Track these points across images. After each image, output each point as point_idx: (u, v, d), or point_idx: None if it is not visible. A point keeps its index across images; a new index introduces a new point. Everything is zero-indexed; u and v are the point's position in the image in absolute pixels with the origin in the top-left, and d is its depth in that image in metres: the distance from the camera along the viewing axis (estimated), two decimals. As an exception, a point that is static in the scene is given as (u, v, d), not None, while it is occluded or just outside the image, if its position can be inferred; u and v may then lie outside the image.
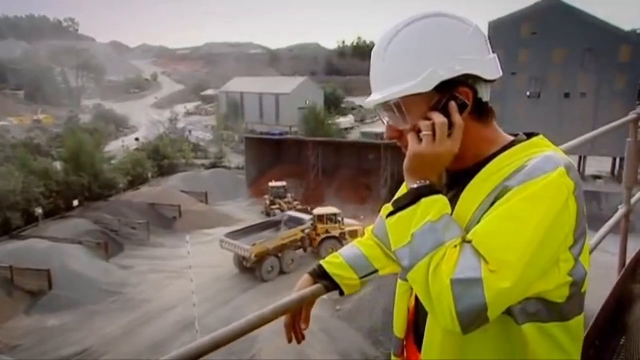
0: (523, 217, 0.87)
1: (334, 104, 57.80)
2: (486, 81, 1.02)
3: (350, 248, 1.41)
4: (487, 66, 1.02)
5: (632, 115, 2.21)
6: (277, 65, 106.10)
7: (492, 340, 0.96)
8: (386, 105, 1.05)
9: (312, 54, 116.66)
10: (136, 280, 19.23)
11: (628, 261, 2.46)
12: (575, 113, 31.46)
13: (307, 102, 51.13)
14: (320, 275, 1.31)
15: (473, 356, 0.98)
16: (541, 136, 1.04)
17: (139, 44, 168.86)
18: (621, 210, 2.39)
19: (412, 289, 1.17)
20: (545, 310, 0.94)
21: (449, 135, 0.98)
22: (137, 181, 33.19)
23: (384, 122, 1.13)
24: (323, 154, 33.34)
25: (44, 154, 32.29)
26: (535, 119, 30.62)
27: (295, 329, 1.26)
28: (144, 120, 66.72)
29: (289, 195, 28.45)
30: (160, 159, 37.84)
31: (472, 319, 0.85)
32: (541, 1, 32.61)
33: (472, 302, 0.84)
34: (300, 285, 1.28)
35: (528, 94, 33.72)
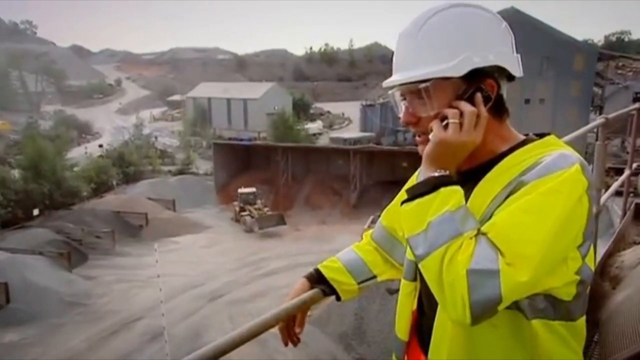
0: (540, 211, 0.87)
1: (302, 110, 57.84)
2: (508, 79, 1.05)
3: (349, 252, 1.40)
4: (515, 63, 1.04)
5: (600, 120, 2.30)
6: (244, 71, 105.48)
7: (502, 337, 0.97)
8: (410, 87, 1.03)
9: (280, 60, 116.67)
10: (101, 290, 18.61)
11: (597, 260, 2.56)
12: (535, 118, 32.63)
13: (276, 108, 50.97)
14: (317, 279, 1.30)
15: (483, 353, 0.99)
16: (553, 136, 1.06)
17: (102, 48, 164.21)
18: (590, 211, 2.47)
19: (416, 289, 1.18)
20: (552, 308, 0.95)
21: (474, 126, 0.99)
22: (101, 189, 32.19)
23: (396, 107, 1.12)
24: (292, 159, 33.28)
25: (1, 162, 30.94)
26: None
27: (290, 333, 1.25)
28: (108, 126, 64.93)
29: (258, 201, 28.14)
30: (126, 166, 36.85)
31: (485, 309, 0.85)
32: (501, 11, 33.77)
33: (487, 293, 0.84)
34: (297, 290, 1.27)
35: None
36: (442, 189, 0.93)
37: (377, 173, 28.95)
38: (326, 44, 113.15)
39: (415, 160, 1.41)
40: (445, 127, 0.98)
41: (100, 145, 44.80)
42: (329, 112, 69.10)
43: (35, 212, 25.75)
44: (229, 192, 31.68)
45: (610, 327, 1.93)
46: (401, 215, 0.98)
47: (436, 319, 1.05)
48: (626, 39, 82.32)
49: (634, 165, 3.78)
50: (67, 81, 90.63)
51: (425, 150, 1.01)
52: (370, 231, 1.45)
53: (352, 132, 50.30)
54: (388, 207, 1.40)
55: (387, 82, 1.08)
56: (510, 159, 1.01)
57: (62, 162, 30.65)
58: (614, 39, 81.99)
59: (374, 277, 1.36)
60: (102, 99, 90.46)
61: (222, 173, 34.36)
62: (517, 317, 0.95)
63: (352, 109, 59.47)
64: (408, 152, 28.98)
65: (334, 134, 49.43)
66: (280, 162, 32.90)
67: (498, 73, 1.02)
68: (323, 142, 47.25)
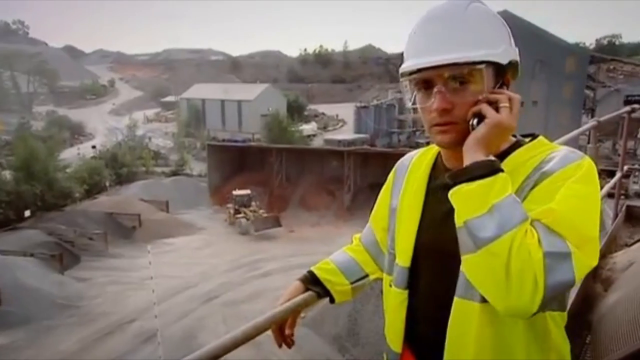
0: (587, 196, 0.91)
1: (296, 111, 57.85)
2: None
3: (341, 254, 1.40)
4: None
5: (592, 122, 2.32)
6: (238, 72, 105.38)
7: (522, 332, 0.98)
8: (450, 70, 0.99)
9: (274, 61, 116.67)
10: (94, 292, 18.48)
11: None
12: (528, 120, 32.79)
13: (270, 109, 50.93)
14: (311, 281, 1.30)
15: (508, 350, 0.99)
16: (542, 136, 1.09)
17: (95, 48, 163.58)
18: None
19: (408, 299, 1.16)
20: (557, 298, 0.97)
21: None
22: (94, 190, 31.97)
23: (408, 95, 1.08)
24: (286, 160, 33.24)
25: (-8, 163, 30.69)
26: None
27: (283, 335, 1.24)
28: (101, 127, 64.64)
29: (253, 203, 27.95)
30: (119, 167, 36.67)
31: (557, 293, 0.85)
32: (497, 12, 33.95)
33: (562, 275, 0.84)
34: (291, 292, 1.27)
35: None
36: (501, 174, 0.92)
37: (371, 174, 28.96)
38: (320, 46, 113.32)
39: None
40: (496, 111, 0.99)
41: (93, 146, 44.56)
42: (323, 113, 69.16)
43: (27, 213, 25.52)
44: (223, 193, 31.57)
45: (602, 329, 1.94)
46: (456, 195, 0.94)
47: (452, 321, 1.04)
48: (617, 42, 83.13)
49: (625, 167, 3.81)
50: (60, 82, 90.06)
51: (477, 134, 0.97)
52: (359, 235, 1.46)
53: (346, 133, 50.35)
54: (373, 212, 1.40)
55: (427, 62, 1.00)
56: (516, 157, 1.03)
57: (54, 163, 30.40)
58: (605, 42, 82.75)
59: (366, 275, 1.36)
60: (95, 99, 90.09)
61: (216, 174, 34.25)
62: None
63: (346, 111, 59.54)
64: (402, 154, 28.90)
65: (328, 136, 49.53)
66: (274, 164, 32.85)
67: (512, 71, 1.06)
68: (317, 143, 47.28)
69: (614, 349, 1.59)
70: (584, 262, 0.86)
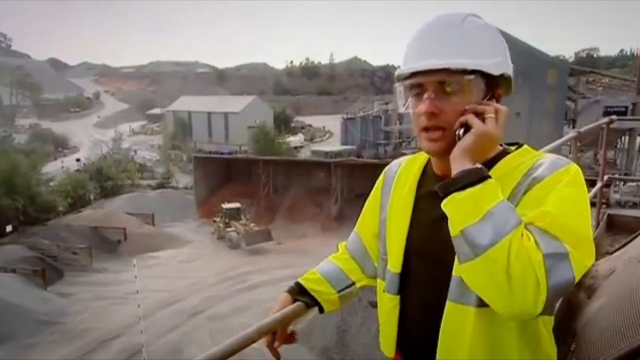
0: (578, 199, 0.94)
1: (283, 123, 58.00)
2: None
3: (326, 263, 1.41)
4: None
5: (572, 133, 2.37)
6: (224, 84, 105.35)
7: (514, 336, 1.00)
8: (441, 77, 1.01)
9: (260, 74, 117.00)
10: (77, 308, 18.11)
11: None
12: (512, 131, 32.84)
13: (257, 121, 50.94)
14: (299, 292, 1.30)
15: (502, 354, 1.00)
16: (526, 145, 1.12)
17: (80, 61, 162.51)
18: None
19: (400, 304, 1.17)
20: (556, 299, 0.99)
21: None
22: (78, 203, 31.54)
23: (401, 99, 1.11)
24: (273, 172, 33.20)
25: (-27, 177, 30.01)
26: None
27: (272, 347, 1.24)
28: (86, 140, 63.94)
29: (243, 216, 27.41)
30: (104, 180, 36.22)
31: (559, 293, 0.87)
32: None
33: (563, 276, 0.85)
34: (280, 304, 1.27)
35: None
36: (490, 180, 0.93)
37: (358, 186, 29.02)
38: (307, 58, 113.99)
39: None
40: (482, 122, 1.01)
41: (78, 160, 44.04)
42: (310, 125, 69.36)
43: (9, 228, 25.04)
44: (210, 206, 31.34)
45: (585, 336, 1.97)
46: (449, 205, 0.95)
47: (444, 325, 1.05)
48: (595, 55, 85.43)
49: (606, 177, 3.90)
50: (43, 94, 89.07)
51: (463, 144, 0.99)
52: (345, 243, 1.47)
53: (333, 145, 50.54)
54: (360, 219, 1.41)
55: (418, 66, 1.02)
56: (504, 164, 1.05)
57: (37, 177, 29.95)
58: (584, 55, 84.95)
59: (353, 284, 1.36)
60: (79, 112, 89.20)
61: (202, 187, 34.02)
62: None
63: (333, 123, 59.82)
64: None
65: (315, 147, 49.64)
66: (261, 176, 32.77)
67: (504, 86, 1.09)
68: (304, 155, 47.36)
69: (597, 355, 1.62)
70: (581, 261, 0.88)
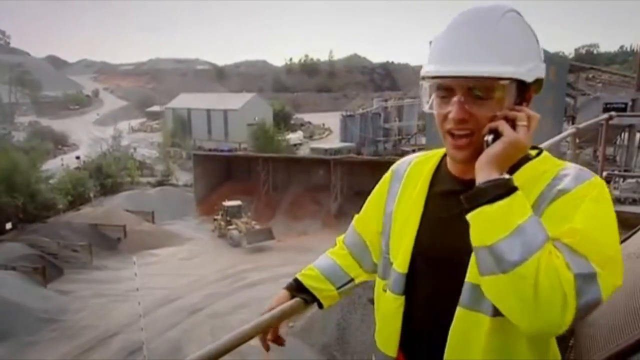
0: (606, 216, 0.91)
1: (283, 120, 57.95)
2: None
3: (325, 259, 1.40)
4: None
5: (571, 129, 2.38)
6: (224, 82, 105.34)
7: (527, 341, 0.99)
8: (474, 82, 0.97)
9: (260, 71, 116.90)
10: (77, 305, 18.14)
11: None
12: (512, 128, 33.26)
13: (256, 119, 50.90)
14: (297, 288, 1.30)
15: (512, 358, 1.00)
16: (546, 152, 1.08)
17: (79, 58, 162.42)
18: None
19: (405, 304, 1.14)
20: None
21: None
22: (78, 201, 31.51)
23: (425, 99, 1.06)
24: (273, 169, 33.19)
25: (-28, 175, 30.00)
26: None
27: (265, 341, 1.23)
28: (85, 138, 63.83)
29: (244, 214, 27.27)
30: (104, 178, 36.20)
31: (586, 314, 0.85)
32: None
33: (591, 297, 0.83)
34: (277, 300, 1.27)
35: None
36: (518, 192, 0.90)
37: (357, 183, 29.04)
38: (306, 55, 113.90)
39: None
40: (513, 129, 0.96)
41: (77, 157, 44.03)
42: (309, 122, 69.34)
43: (8, 226, 25.03)
44: (210, 203, 31.34)
45: (584, 332, 1.98)
46: (477, 218, 0.90)
47: (453, 330, 1.03)
48: (595, 52, 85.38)
49: (604, 173, 3.90)
50: (43, 92, 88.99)
51: (492, 151, 0.95)
52: (342, 236, 1.45)
53: (332, 142, 50.50)
54: (360, 214, 1.39)
55: (450, 71, 0.97)
56: (526, 171, 1.01)
57: (36, 174, 29.93)
58: (583, 51, 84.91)
59: (352, 280, 1.35)
60: (79, 110, 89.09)
61: (202, 184, 34.01)
62: None
63: (332, 120, 59.77)
64: (388, 162, 29.01)
65: (315, 145, 49.61)
66: (261, 173, 32.75)
67: (536, 87, 1.04)
68: (304, 152, 47.35)
69: (595, 351, 1.63)
70: (609, 281, 0.86)
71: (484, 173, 0.93)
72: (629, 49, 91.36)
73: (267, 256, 23.49)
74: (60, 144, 60.67)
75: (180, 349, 14.23)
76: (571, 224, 0.88)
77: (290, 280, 1.35)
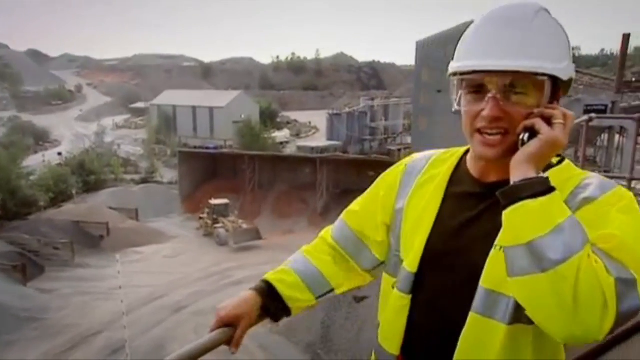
0: (636, 225, 0.89)
1: (269, 118, 57.81)
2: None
3: (303, 263, 1.29)
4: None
5: (585, 117, 2.43)
6: (210, 79, 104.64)
7: (541, 346, 0.97)
8: (509, 78, 0.94)
9: (246, 68, 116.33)
10: (59, 304, 17.87)
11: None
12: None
13: (242, 116, 50.69)
14: (269, 294, 1.20)
15: None
16: (567, 159, 1.07)
17: (61, 53, 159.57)
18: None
19: (412, 303, 1.11)
20: None
21: None
22: (59, 198, 31.03)
23: (454, 95, 1.03)
24: (259, 168, 33.10)
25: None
26: (462, 134, 32.59)
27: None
28: (68, 134, 62.92)
29: (231, 213, 27.00)
30: (86, 175, 35.72)
31: (626, 320, 0.83)
32: (464, 23, 34.94)
33: (631, 303, 0.81)
34: (244, 301, 1.20)
35: (453, 110, 35.85)
36: (557, 192, 0.88)
37: (344, 181, 29.15)
38: (293, 53, 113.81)
39: (382, 169, 1.35)
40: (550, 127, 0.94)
41: (59, 153, 43.32)
42: (296, 120, 69.33)
43: (-13, 223, 24.58)
44: (195, 201, 31.14)
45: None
46: (517, 213, 0.87)
47: (465, 336, 1.00)
48: (577, 54, 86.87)
49: (586, 174, 3.97)
50: (23, 86, 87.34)
51: (529, 150, 0.92)
52: (326, 232, 1.37)
53: (319, 140, 50.55)
54: (352, 208, 1.33)
55: (487, 65, 0.94)
56: (552, 177, 0.95)
57: (17, 170, 29.41)
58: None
59: (332, 290, 1.28)
60: (61, 105, 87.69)
61: (187, 182, 33.77)
62: None
63: (319, 118, 59.81)
64: (374, 161, 29.33)
65: (301, 143, 49.57)
66: (246, 171, 32.64)
67: (565, 88, 1.01)
68: (290, 150, 47.31)
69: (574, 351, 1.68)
70: None
71: (520, 172, 0.91)
72: (609, 53, 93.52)
73: (253, 254, 23.42)
74: (42, 140, 59.70)
75: (163, 347, 14.14)
76: (606, 230, 0.87)
77: (259, 281, 1.23)
